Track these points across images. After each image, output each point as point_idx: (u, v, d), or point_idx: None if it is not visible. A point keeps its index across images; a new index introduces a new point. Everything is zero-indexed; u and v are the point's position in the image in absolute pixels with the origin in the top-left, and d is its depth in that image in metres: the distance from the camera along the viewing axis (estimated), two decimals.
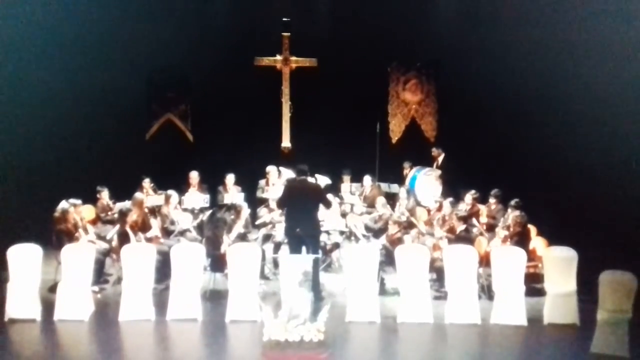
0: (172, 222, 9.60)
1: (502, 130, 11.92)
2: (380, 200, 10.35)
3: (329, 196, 9.50)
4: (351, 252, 8.21)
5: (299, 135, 13.27)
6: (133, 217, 8.86)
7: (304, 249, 8.28)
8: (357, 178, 11.71)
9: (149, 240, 8.87)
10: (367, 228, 10.06)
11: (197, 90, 13.14)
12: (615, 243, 8.97)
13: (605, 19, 10.05)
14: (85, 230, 8.91)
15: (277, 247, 9.45)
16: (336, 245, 9.80)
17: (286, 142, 13.39)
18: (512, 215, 8.86)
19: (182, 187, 10.67)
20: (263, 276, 8.82)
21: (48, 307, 7.73)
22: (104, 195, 10.43)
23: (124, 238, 8.46)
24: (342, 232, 9.97)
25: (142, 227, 9.04)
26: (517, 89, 11.64)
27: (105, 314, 7.92)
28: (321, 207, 8.80)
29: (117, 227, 8.79)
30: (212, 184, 11.16)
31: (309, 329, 6.38)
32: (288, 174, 10.50)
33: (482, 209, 10.22)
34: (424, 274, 7.84)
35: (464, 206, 9.92)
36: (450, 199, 9.82)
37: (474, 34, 12.42)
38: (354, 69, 12.75)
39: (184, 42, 12.44)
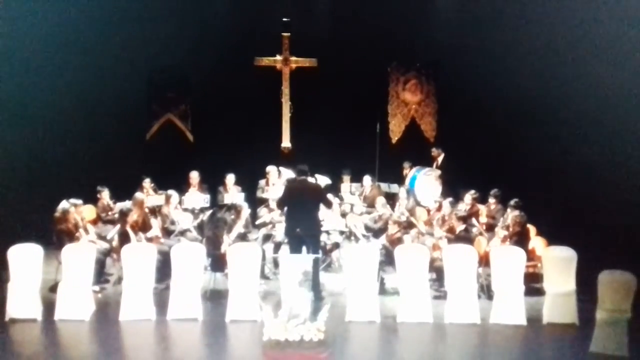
0: (173, 222, 9.61)
1: (501, 130, 11.93)
2: (380, 200, 10.37)
3: (329, 196, 9.51)
4: (351, 252, 8.22)
5: (299, 135, 13.28)
6: (133, 217, 8.87)
7: (304, 249, 8.30)
8: (357, 178, 11.73)
9: (149, 240, 8.88)
10: (367, 228, 10.07)
11: (197, 90, 13.14)
12: (614, 243, 8.98)
13: (606, 18, 10.05)
14: (86, 230, 8.92)
15: (277, 247, 9.46)
16: (336, 245, 9.81)
17: (286, 142, 13.40)
18: (512, 215, 8.88)
19: (182, 187, 10.69)
20: (263, 276, 8.82)
21: (49, 306, 7.74)
22: (105, 195, 10.44)
23: (124, 238, 8.47)
24: (342, 232, 9.98)
25: (143, 227, 9.05)
26: (517, 89, 11.64)
27: (106, 314, 7.93)
28: (322, 207, 8.82)
29: (118, 227, 8.80)
30: (212, 184, 11.17)
31: (309, 328, 6.37)
32: (288, 174, 10.51)
33: (482, 208, 10.24)
34: (423, 274, 7.86)
35: (464, 206, 9.94)
36: (450, 199, 9.84)
37: (474, 34, 12.42)
38: (354, 69, 12.76)
39: (184, 42, 12.45)
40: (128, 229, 8.62)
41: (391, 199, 11.17)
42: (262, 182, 11.11)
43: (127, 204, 9.46)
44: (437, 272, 8.42)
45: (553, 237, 8.86)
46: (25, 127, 10.73)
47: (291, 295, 6.70)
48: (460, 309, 7.71)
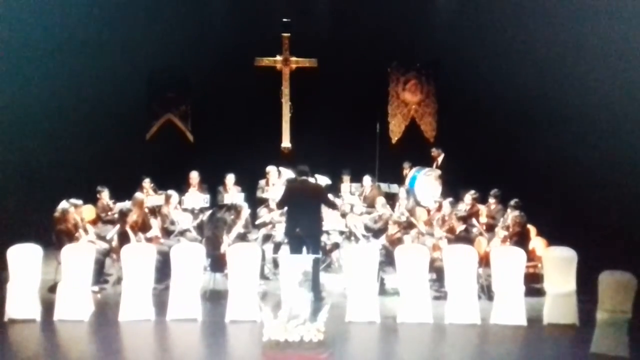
0: (172, 222, 9.60)
1: (501, 130, 11.93)
2: (380, 201, 10.36)
3: (330, 196, 9.50)
4: (351, 252, 8.20)
5: (299, 135, 13.28)
6: (133, 217, 8.86)
7: (304, 249, 8.29)
8: (357, 178, 11.71)
9: (149, 240, 8.87)
10: (367, 228, 10.06)
11: (197, 91, 13.15)
12: (614, 243, 8.97)
13: (606, 18, 10.04)
14: (86, 231, 8.91)
15: (277, 247, 9.45)
16: (336, 246, 9.80)
17: (286, 143, 13.40)
18: (512, 215, 8.87)
19: (182, 187, 10.68)
20: (263, 276, 8.82)
21: (48, 307, 7.73)
22: (104, 195, 10.44)
23: (124, 238, 8.46)
24: (341, 232, 9.97)
25: (142, 227, 9.04)
26: (517, 89, 11.64)
27: (105, 314, 7.91)
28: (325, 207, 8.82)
29: (117, 227, 8.79)
30: (212, 184, 11.16)
31: (309, 329, 6.38)
32: (288, 174, 10.50)
33: (482, 209, 10.23)
34: (423, 274, 7.85)
35: (464, 206, 9.93)
36: (450, 199, 9.83)
37: (474, 34, 12.42)
38: (354, 69, 12.77)
39: (184, 42, 12.45)
40: (128, 229, 8.61)
41: (391, 199, 11.16)
42: (262, 182, 11.10)
43: (126, 204, 9.46)
44: (437, 272, 8.41)
45: (553, 238, 8.85)
46: (25, 127, 10.71)
47: (291, 296, 6.70)
48: (460, 310, 7.70)
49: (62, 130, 11.26)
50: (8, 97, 10.47)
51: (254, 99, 12.90)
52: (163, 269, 8.17)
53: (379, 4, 12.78)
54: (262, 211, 10.32)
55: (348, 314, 7.72)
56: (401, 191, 10.94)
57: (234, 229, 9.03)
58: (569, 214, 10.05)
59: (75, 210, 8.81)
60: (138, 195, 9.71)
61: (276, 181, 10.88)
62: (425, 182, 11.83)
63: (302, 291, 6.73)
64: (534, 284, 8.46)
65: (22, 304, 7.60)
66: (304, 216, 8.32)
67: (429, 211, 10.70)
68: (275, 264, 9.19)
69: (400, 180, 12.21)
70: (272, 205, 10.06)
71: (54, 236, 8.54)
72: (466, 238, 8.67)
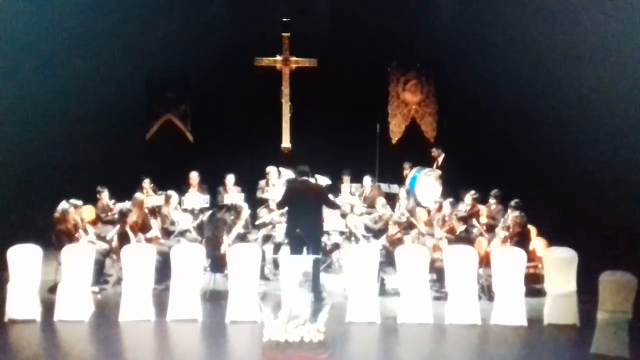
0: (172, 223, 9.59)
1: (502, 130, 11.91)
2: (380, 201, 10.35)
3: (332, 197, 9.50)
4: (351, 253, 8.20)
5: (299, 135, 13.26)
6: (133, 217, 8.85)
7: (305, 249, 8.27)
8: (357, 178, 11.70)
9: (149, 240, 8.87)
10: (367, 228, 10.05)
11: (197, 91, 13.13)
12: (615, 243, 8.98)
13: (606, 18, 10.04)
14: (85, 231, 8.90)
15: (277, 247, 9.44)
16: (336, 246, 9.79)
17: (286, 143, 13.39)
18: (512, 215, 8.86)
19: (182, 187, 10.67)
20: (263, 277, 8.82)
21: (48, 307, 7.72)
22: (104, 195, 10.42)
23: (124, 238, 8.45)
24: (342, 233, 9.96)
25: (142, 227, 9.03)
26: (517, 89, 11.63)
27: (105, 315, 7.91)
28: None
29: (117, 227, 8.78)
30: (212, 185, 11.15)
31: (309, 329, 6.37)
32: (288, 174, 10.49)
33: (482, 209, 10.22)
34: (424, 275, 7.84)
35: (464, 207, 9.91)
36: (450, 199, 9.82)
37: (474, 34, 12.41)
38: (354, 69, 12.75)
39: (184, 42, 12.42)
40: (127, 229, 8.60)
41: (391, 199, 11.15)
42: (262, 182, 11.09)
43: (126, 204, 9.45)
44: (438, 272, 8.40)
45: (554, 238, 8.84)
46: (25, 127, 10.71)
47: (291, 296, 6.70)
48: (460, 310, 7.69)
49: (62, 130, 11.24)
50: (8, 98, 10.46)
51: (254, 99, 12.88)
52: (163, 270, 8.16)
53: (379, 4, 12.77)
54: (262, 211, 10.31)
55: (348, 315, 7.71)
56: (401, 191, 10.93)
57: (234, 229, 9.02)
58: (569, 215, 10.04)
59: (75, 210, 8.81)
60: (138, 195, 9.70)
61: (276, 181, 10.87)
62: (426, 182, 11.82)
63: (302, 292, 6.73)
64: (534, 284, 8.46)
65: (22, 304, 7.59)
66: (304, 217, 8.31)
67: (429, 211, 10.69)
68: (276, 264, 9.19)
69: (400, 181, 12.20)
70: (272, 205, 10.06)
71: (54, 236, 8.54)
72: (466, 238, 8.66)
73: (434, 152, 12.67)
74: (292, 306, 6.57)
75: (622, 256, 7.91)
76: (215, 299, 8.32)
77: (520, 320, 7.66)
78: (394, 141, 13.83)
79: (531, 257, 8.50)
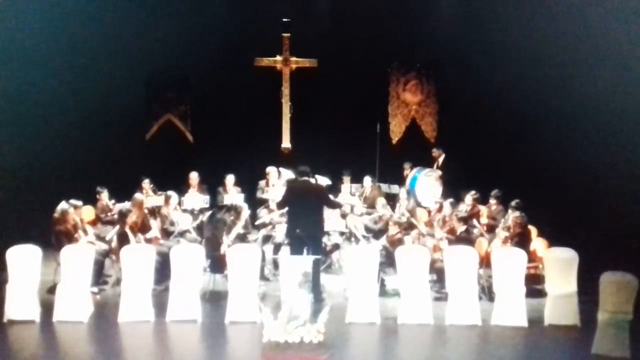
0: (172, 223, 9.58)
1: (502, 130, 11.90)
2: (381, 201, 10.34)
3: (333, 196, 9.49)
4: (351, 253, 8.20)
5: (299, 135, 13.25)
6: (133, 218, 8.84)
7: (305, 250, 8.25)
8: (357, 179, 11.68)
9: (148, 241, 8.85)
10: (367, 229, 10.04)
11: (197, 91, 13.12)
12: (616, 244, 8.95)
13: (607, 17, 10.02)
14: (85, 231, 8.89)
15: (277, 248, 9.43)
16: (336, 246, 9.78)
17: (286, 143, 13.37)
18: (513, 216, 8.84)
19: (181, 187, 10.65)
20: (263, 277, 8.81)
21: (47, 308, 7.71)
22: (104, 196, 10.41)
23: (123, 239, 8.44)
24: (342, 233, 9.95)
25: (142, 228, 9.01)
26: (518, 90, 11.62)
27: (105, 315, 7.90)
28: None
29: (117, 228, 8.78)
30: (211, 185, 11.13)
31: (309, 330, 6.35)
32: (288, 174, 10.48)
33: (483, 209, 10.19)
34: (424, 275, 7.83)
35: (465, 207, 9.89)
36: (451, 199, 9.79)
37: (474, 34, 12.39)
38: (354, 70, 12.74)
39: (184, 42, 12.41)
40: (127, 230, 8.59)
41: (391, 199, 11.13)
42: (262, 182, 11.07)
43: (126, 204, 9.44)
44: (438, 273, 8.39)
45: (554, 239, 8.82)
46: (24, 127, 10.70)
47: (291, 297, 6.67)
48: (461, 311, 7.67)
49: (62, 130, 11.24)
50: (7, 98, 10.45)
51: (254, 99, 12.87)
52: (163, 270, 8.15)
53: (379, 4, 12.75)
54: (262, 212, 10.30)
55: (348, 315, 7.70)
56: (402, 192, 10.92)
57: (233, 229, 9.01)
58: (570, 215, 10.02)
59: (74, 211, 8.80)
60: (137, 195, 9.68)
61: (276, 182, 10.85)
62: (426, 182, 11.80)
63: (302, 292, 6.70)
64: (535, 284, 8.44)
65: (22, 305, 7.58)
66: (305, 217, 8.29)
67: (429, 212, 10.66)
68: (275, 264, 9.18)
69: (400, 181, 12.18)
70: (272, 205, 10.05)
71: (53, 237, 8.52)
72: (467, 239, 8.65)
73: (435, 152, 12.65)
74: (292, 307, 6.54)
75: (623, 257, 7.87)
76: (214, 300, 8.30)
77: (520, 321, 7.64)
78: (394, 141, 13.81)
79: (532, 257, 8.48)
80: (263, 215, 10.18)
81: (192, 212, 10.20)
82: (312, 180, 8.79)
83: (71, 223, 8.62)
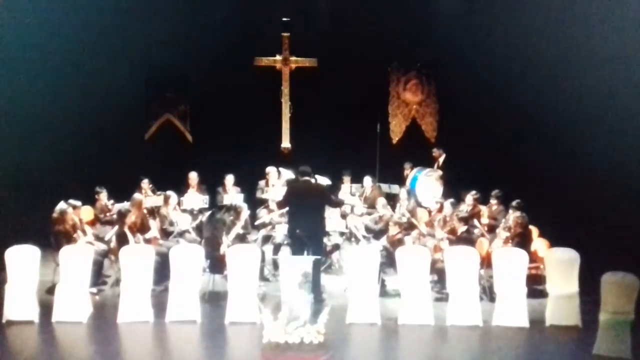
0: (171, 223, 9.55)
1: (503, 130, 11.88)
2: (381, 201, 10.31)
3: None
4: (352, 254, 8.18)
5: (298, 135, 13.22)
6: (132, 218, 8.81)
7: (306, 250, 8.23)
8: (357, 179, 11.65)
9: (147, 241, 8.82)
10: (368, 229, 10.01)
11: (196, 90, 13.09)
12: (617, 244, 8.93)
13: (607, 18, 10.01)
14: (84, 232, 8.86)
15: (277, 248, 9.40)
16: (336, 247, 9.75)
17: (286, 143, 13.34)
18: (513, 216, 8.80)
19: (181, 187, 10.61)
20: (263, 278, 8.78)
21: (46, 308, 7.69)
22: (103, 196, 10.38)
23: (122, 239, 8.41)
24: (342, 234, 9.92)
25: (141, 228, 8.99)
26: (518, 90, 11.60)
27: (104, 316, 7.88)
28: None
29: (116, 228, 8.76)
30: (211, 185, 11.10)
31: (309, 330, 6.32)
32: (288, 174, 10.46)
33: (483, 209, 10.15)
34: (424, 276, 7.80)
35: (465, 207, 9.86)
36: (451, 199, 9.77)
37: (474, 34, 12.38)
38: (354, 69, 12.71)
39: (184, 41, 12.39)
40: (126, 230, 8.57)
41: (392, 199, 11.10)
42: (261, 182, 11.04)
43: (125, 205, 9.43)
44: (439, 273, 8.36)
45: (555, 239, 8.79)
46: (23, 127, 10.68)
47: (291, 297, 6.65)
48: (462, 311, 7.65)
49: (61, 130, 11.23)
50: (7, 98, 10.43)
51: (254, 99, 12.84)
52: (162, 270, 8.12)
53: (379, 4, 12.72)
54: (261, 212, 10.28)
55: (349, 316, 7.67)
56: (402, 192, 10.90)
57: (233, 230, 8.97)
58: (571, 215, 9.99)
59: (73, 211, 8.77)
60: (137, 196, 9.65)
61: (276, 182, 10.83)
62: (427, 182, 11.77)
63: (302, 293, 6.68)
64: (536, 285, 8.41)
65: (20, 305, 7.56)
66: (306, 217, 8.26)
67: (430, 212, 10.62)
68: (275, 265, 9.15)
69: (401, 181, 12.15)
70: (272, 206, 10.03)
71: (52, 237, 8.49)
72: (468, 239, 8.62)
73: (435, 152, 12.62)
74: (292, 307, 6.51)
75: (624, 257, 7.85)
76: (214, 300, 8.28)
77: (522, 321, 7.61)
78: (394, 141, 13.78)
79: (533, 258, 8.44)
80: (263, 215, 10.15)
81: (191, 212, 10.18)
82: (313, 180, 8.77)
83: (70, 223, 8.59)
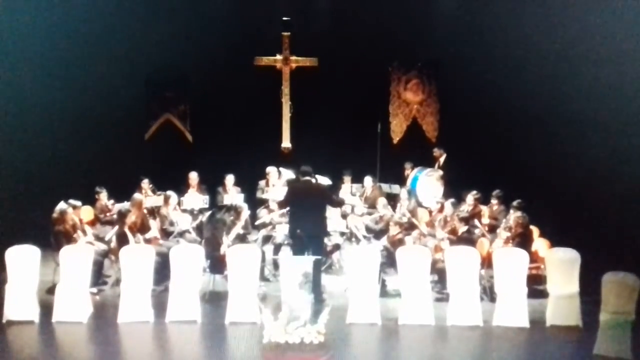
0: (171, 223, 9.54)
1: (503, 130, 11.86)
2: (381, 201, 10.30)
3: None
4: (352, 254, 8.18)
5: (299, 135, 13.20)
6: (132, 218, 8.80)
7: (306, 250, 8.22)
8: (357, 179, 11.64)
9: (147, 241, 8.81)
10: (368, 229, 10.00)
11: (196, 90, 13.06)
12: (618, 244, 8.93)
13: (607, 18, 10.00)
14: (84, 232, 8.86)
15: (277, 248, 9.40)
16: (337, 247, 9.74)
17: (286, 143, 13.32)
18: (514, 216, 8.79)
19: (181, 187, 10.60)
20: (263, 278, 8.78)
21: (46, 308, 7.69)
22: (103, 196, 10.36)
23: (122, 239, 8.40)
24: (342, 234, 9.91)
25: (141, 228, 8.98)
26: (519, 89, 11.58)
27: (104, 316, 7.88)
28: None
29: (116, 228, 8.75)
30: (211, 185, 11.08)
31: (309, 331, 6.32)
32: (288, 174, 10.45)
33: (484, 209, 10.15)
34: (425, 276, 7.80)
35: (466, 207, 9.86)
36: (452, 199, 9.76)
37: (475, 33, 12.35)
38: (355, 69, 12.69)
39: (184, 41, 12.37)
40: (126, 230, 8.56)
41: (392, 199, 11.09)
42: (262, 182, 11.03)
43: (125, 205, 9.42)
44: (439, 273, 8.35)
45: (556, 239, 8.78)
46: (23, 127, 10.67)
47: (291, 298, 6.65)
48: (462, 311, 7.65)
49: (61, 130, 11.23)
50: (7, 98, 10.42)
51: (254, 99, 12.82)
52: (162, 271, 8.12)
53: (380, 4, 12.71)
54: (262, 212, 10.27)
55: (349, 316, 7.67)
56: (403, 192, 10.88)
57: (233, 230, 8.96)
58: (572, 215, 9.99)
59: (73, 211, 8.77)
60: (137, 196, 9.64)
61: (276, 182, 10.81)
62: (427, 182, 11.75)
63: (302, 293, 6.67)
64: (536, 285, 8.40)
65: (21, 305, 7.56)
66: (307, 217, 8.26)
67: (430, 212, 10.61)
68: (276, 265, 9.14)
69: (401, 181, 12.13)
70: (272, 206, 10.01)
71: (52, 237, 8.49)
72: (468, 239, 8.61)
73: (436, 152, 12.60)
74: (292, 307, 6.51)
75: (625, 257, 7.85)
76: (214, 300, 8.27)
77: (522, 321, 7.61)
78: (395, 141, 13.75)
79: (533, 258, 8.44)
80: (263, 215, 10.14)
81: (191, 212, 10.16)
82: (314, 180, 8.76)
83: (70, 223, 8.59)
